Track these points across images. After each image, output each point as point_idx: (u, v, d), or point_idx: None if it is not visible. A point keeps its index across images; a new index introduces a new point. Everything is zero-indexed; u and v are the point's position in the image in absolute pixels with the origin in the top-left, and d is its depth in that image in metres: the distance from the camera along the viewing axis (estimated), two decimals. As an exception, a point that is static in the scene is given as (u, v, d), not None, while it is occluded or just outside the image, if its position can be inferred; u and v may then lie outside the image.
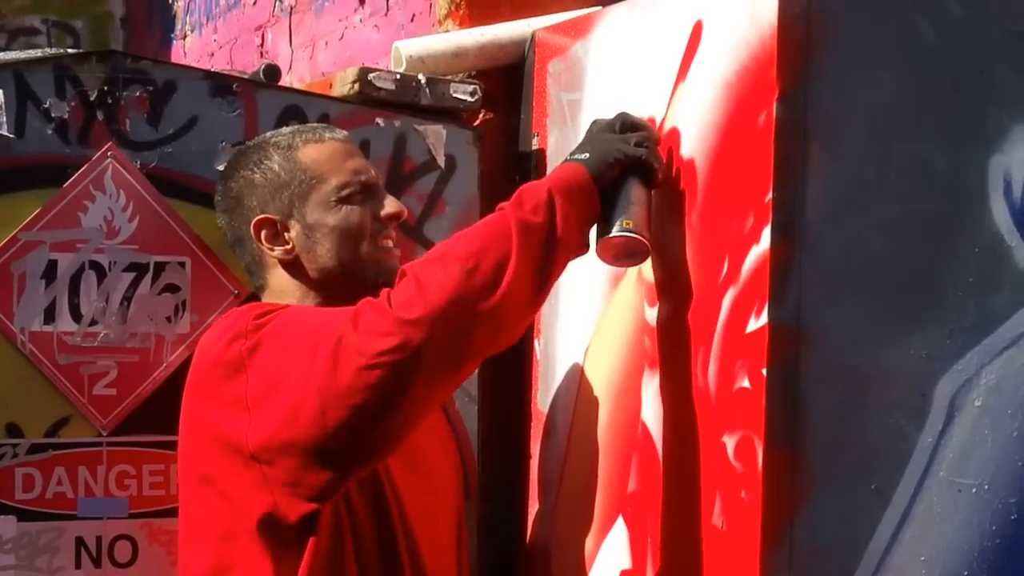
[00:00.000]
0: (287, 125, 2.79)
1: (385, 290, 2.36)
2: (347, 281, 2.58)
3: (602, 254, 2.49)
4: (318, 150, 2.61)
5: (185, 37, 6.00)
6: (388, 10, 3.83)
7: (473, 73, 3.27)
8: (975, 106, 2.41)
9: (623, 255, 2.49)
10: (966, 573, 2.43)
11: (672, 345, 2.56)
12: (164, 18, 6.32)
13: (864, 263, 2.37)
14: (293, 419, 2.34)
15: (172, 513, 2.80)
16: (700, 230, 2.48)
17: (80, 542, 2.83)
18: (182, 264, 2.86)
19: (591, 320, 2.84)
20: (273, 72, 3.13)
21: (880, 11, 2.37)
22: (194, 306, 2.87)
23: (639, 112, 2.61)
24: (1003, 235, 2.42)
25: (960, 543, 2.42)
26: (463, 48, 3.26)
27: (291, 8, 4.68)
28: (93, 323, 2.80)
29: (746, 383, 2.34)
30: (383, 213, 2.60)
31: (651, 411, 2.62)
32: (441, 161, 3.09)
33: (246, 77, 3.06)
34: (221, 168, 2.74)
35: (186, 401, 2.57)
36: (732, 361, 2.38)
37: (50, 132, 2.78)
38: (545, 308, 2.89)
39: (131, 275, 2.83)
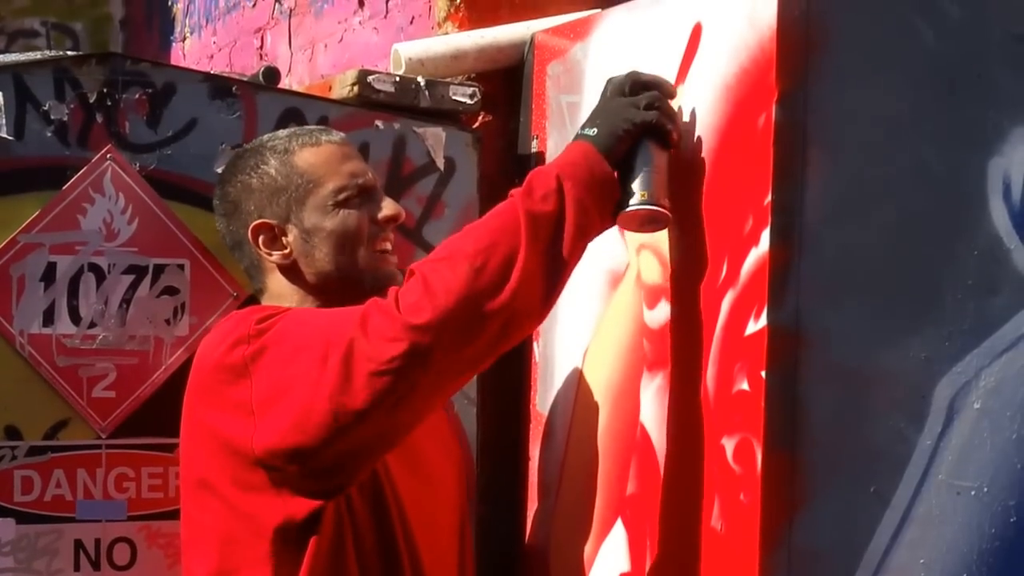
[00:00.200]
0: (286, 127, 2.78)
1: (393, 289, 2.35)
2: (344, 285, 2.58)
3: (624, 224, 2.47)
4: (314, 154, 2.60)
5: (184, 39, 6.00)
6: (387, 12, 3.83)
7: (472, 75, 3.27)
8: (974, 108, 2.41)
9: (646, 222, 2.47)
10: (965, 575, 2.43)
11: (671, 347, 2.56)
12: (163, 20, 6.32)
13: (863, 265, 2.37)
14: (303, 424, 2.34)
15: (171, 516, 2.80)
16: (699, 232, 2.48)
17: (79, 544, 2.83)
18: (181, 266, 2.86)
19: (590, 322, 2.84)
20: (272, 74, 3.12)
21: (879, 13, 2.37)
22: (193, 308, 2.87)
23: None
24: (1002, 237, 2.42)
25: (959, 546, 2.42)
26: (462, 50, 3.26)
27: (290, 10, 4.68)
28: (92, 325, 2.80)
29: (745, 385, 2.34)
30: (381, 216, 2.60)
31: (650, 413, 2.62)
32: (440, 163, 3.09)
33: (245, 79, 3.06)
34: (220, 171, 2.74)
35: (186, 405, 2.57)
36: (731, 363, 2.38)
37: (49, 134, 2.78)
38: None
39: (130, 277, 2.83)
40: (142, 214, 2.83)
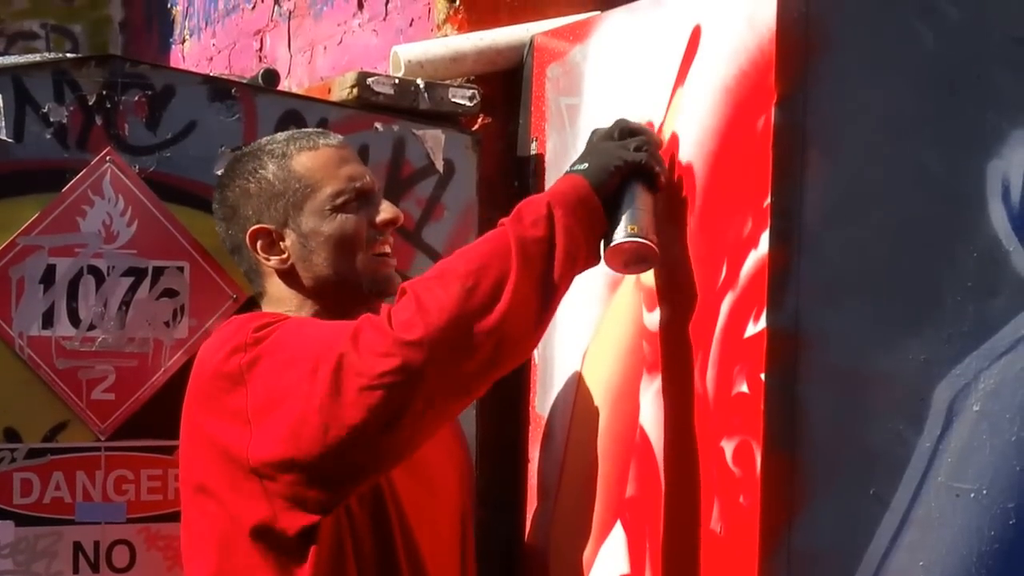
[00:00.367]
0: (286, 130, 2.78)
1: (385, 306, 2.35)
2: (343, 290, 2.58)
3: (610, 261, 2.49)
4: (312, 158, 2.60)
5: (184, 41, 6.00)
6: (387, 15, 3.83)
7: (472, 78, 3.27)
8: (973, 111, 2.41)
9: (632, 261, 2.48)
10: (964, 578, 2.44)
11: (670, 350, 2.56)
12: (163, 23, 6.32)
13: (862, 267, 2.37)
14: (295, 436, 2.34)
15: (170, 518, 2.80)
16: (698, 235, 2.48)
17: (78, 547, 2.82)
18: (180, 269, 2.86)
19: (589, 325, 2.84)
20: (272, 77, 3.12)
21: (878, 16, 2.37)
22: (192, 311, 2.87)
23: (637, 117, 2.61)
24: (1001, 240, 2.42)
25: (959, 548, 2.42)
26: (462, 53, 3.26)
27: (290, 13, 4.68)
28: (91, 328, 2.80)
29: (744, 388, 2.34)
30: (379, 219, 2.60)
31: (649, 416, 2.62)
32: (440, 166, 3.09)
33: (245, 82, 3.06)
34: (219, 173, 2.74)
35: (186, 410, 2.57)
36: (731, 366, 2.38)
37: (49, 137, 2.78)
38: (544, 313, 2.89)
39: (129, 280, 2.82)
40: (141, 216, 2.83)
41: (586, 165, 2.49)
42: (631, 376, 2.68)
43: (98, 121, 2.80)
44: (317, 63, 4.41)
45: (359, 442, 2.31)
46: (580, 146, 2.86)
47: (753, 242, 2.33)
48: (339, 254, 2.56)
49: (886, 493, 2.38)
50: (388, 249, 2.62)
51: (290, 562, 2.43)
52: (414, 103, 3.09)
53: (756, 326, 2.32)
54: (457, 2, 3.41)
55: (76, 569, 2.82)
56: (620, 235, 2.45)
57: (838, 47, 2.34)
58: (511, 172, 3.24)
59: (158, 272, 2.84)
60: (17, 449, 2.78)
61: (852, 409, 2.36)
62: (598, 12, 3.12)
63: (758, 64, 2.34)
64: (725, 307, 2.40)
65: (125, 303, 2.82)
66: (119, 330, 2.82)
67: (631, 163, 2.48)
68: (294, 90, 4.14)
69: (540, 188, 3.09)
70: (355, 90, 3.03)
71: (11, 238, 2.75)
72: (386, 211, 2.61)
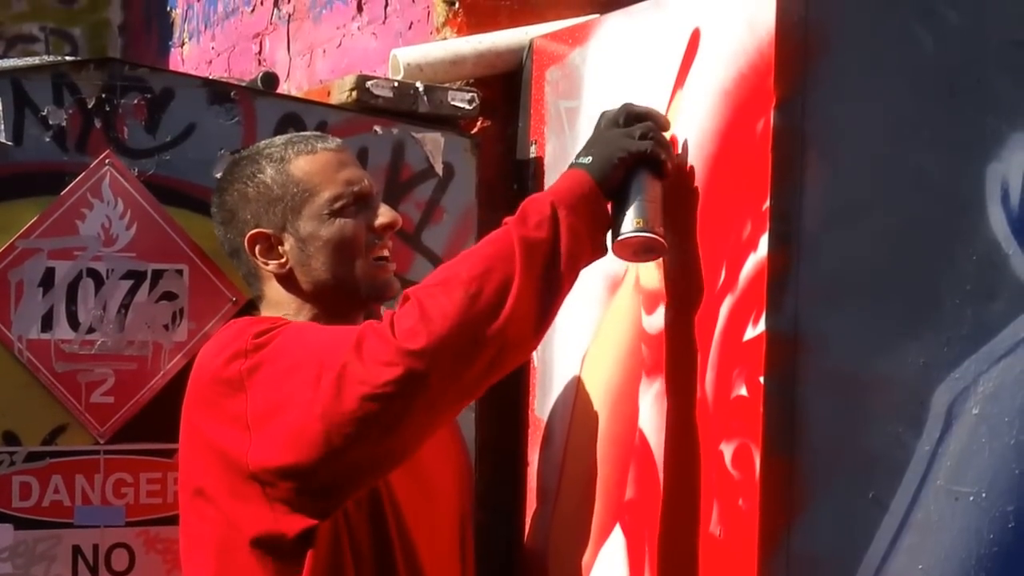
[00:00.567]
0: (285, 133, 2.78)
1: (388, 313, 2.35)
2: (341, 294, 2.58)
3: (619, 253, 2.48)
4: (310, 162, 2.59)
5: (183, 45, 6.00)
6: (386, 18, 3.83)
7: (471, 81, 3.27)
8: (973, 114, 2.41)
9: (640, 251, 2.47)
10: (964, 581, 2.44)
11: (670, 353, 2.56)
12: (162, 26, 6.33)
13: (862, 271, 2.36)
14: (296, 443, 2.34)
15: (169, 521, 2.80)
16: (698, 238, 2.48)
17: (77, 550, 2.82)
18: (179, 272, 2.86)
19: (589, 327, 2.84)
20: (271, 80, 3.12)
21: (878, 19, 2.37)
22: (192, 314, 2.87)
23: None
24: (1000, 243, 2.42)
25: (958, 551, 2.42)
26: (461, 56, 3.26)
27: (289, 16, 4.69)
28: (91, 331, 2.80)
29: (743, 391, 2.34)
30: (377, 223, 2.59)
31: (648, 419, 2.62)
32: (439, 169, 3.09)
33: (244, 85, 3.06)
34: (218, 176, 2.74)
35: (185, 413, 2.57)
36: (730, 369, 2.38)
37: (48, 139, 2.78)
38: (543, 315, 2.89)
39: (129, 283, 2.82)
40: (140, 219, 2.83)
41: (590, 159, 2.47)
42: (630, 379, 2.68)
43: (97, 124, 2.80)
44: (316, 66, 4.41)
45: (361, 448, 2.32)
46: (579, 149, 2.86)
47: (752, 245, 2.33)
48: (337, 258, 2.56)
49: (885, 496, 2.38)
50: (387, 253, 2.61)
51: (288, 566, 2.43)
52: (413, 106, 3.09)
53: (755, 329, 2.32)
54: (456, 5, 3.41)
55: (75, 572, 2.82)
56: (627, 228, 2.44)
57: (837, 50, 2.34)
58: (510, 175, 3.24)
59: (157, 275, 2.84)
60: (16, 452, 2.78)
61: (851, 412, 2.36)
62: (597, 15, 3.12)
63: (757, 67, 2.34)
64: (724, 310, 2.40)
65: (124, 306, 2.82)
66: (118, 333, 2.82)
67: (636, 153, 2.46)
68: (293, 93, 4.14)
69: (539, 191, 3.09)
70: (354, 93, 3.03)
71: (10, 241, 2.75)
72: (384, 215, 2.60)
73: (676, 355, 2.54)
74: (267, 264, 2.59)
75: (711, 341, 2.43)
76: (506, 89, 3.28)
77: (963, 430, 2.42)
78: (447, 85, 3.18)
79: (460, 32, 3.38)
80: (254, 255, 2.59)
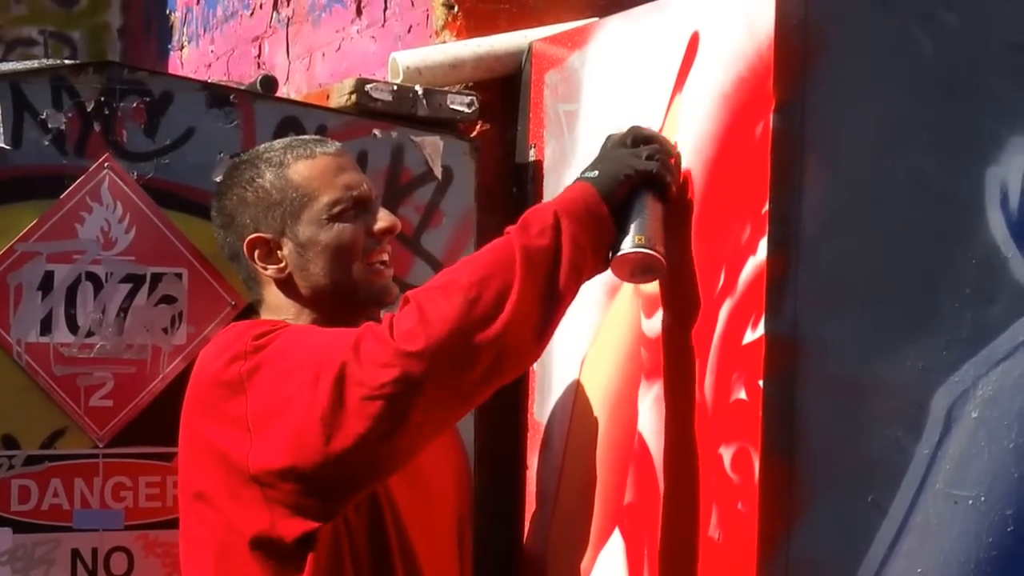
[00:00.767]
0: (284, 136, 2.78)
1: (387, 315, 2.35)
2: (340, 299, 2.58)
3: (617, 271, 2.48)
4: (309, 166, 2.59)
5: (182, 48, 6.00)
6: (385, 21, 3.83)
7: (470, 84, 3.27)
8: (972, 117, 2.41)
9: (638, 271, 2.48)
10: (963, 585, 2.44)
11: (669, 356, 2.56)
12: (161, 29, 6.32)
13: (861, 274, 2.37)
14: (296, 445, 2.34)
15: (168, 525, 2.80)
16: (697, 241, 2.48)
17: (76, 554, 2.82)
18: (179, 275, 2.86)
19: (588, 331, 2.84)
20: (270, 83, 3.12)
21: (877, 23, 2.37)
22: (191, 317, 2.87)
23: (636, 123, 2.61)
24: (999, 246, 2.42)
25: (957, 555, 2.42)
26: (460, 59, 3.26)
27: (288, 19, 4.69)
28: (90, 334, 2.80)
29: (743, 394, 2.34)
30: (376, 228, 2.59)
31: (648, 422, 2.62)
32: (438, 172, 3.09)
33: (243, 88, 3.06)
34: (218, 180, 2.74)
35: (184, 417, 2.57)
36: (729, 372, 2.38)
37: (47, 143, 2.78)
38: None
39: (128, 286, 2.82)
40: (140, 223, 2.83)
41: (596, 173, 2.48)
42: (629, 383, 2.68)
43: (96, 127, 2.80)
44: (316, 69, 4.41)
45: (359, 451, 2.32)
46: (579, 152, 2.87)
47: (751, 249, 2.33)
48: (336, 263, 2.56)
49: (884, 500, 2.38)
50: (386, 257, 2.61)
51: (287, 570, 2.43)
52: (412, 110, 3.09)
53: (754, 333, 2.32)
54: (455, 8, 3.41)
55: (74, 576, 2.83)
56: (627, 245, 2.44)
57: (837, 53, 2.34)
58: (509, 178, 3.24)
59: (156, 278, 2.84)
60: (15, 456, 2.78)
61: (850, 416, 2.36)
62: (596, 19, 3.12)
63: (756, 70, 2.34)
64: (723, 314, 2.40)
65: (123, 310, 2.82)
66: (117, 337, 2.82)
67: (642, 172, 2.47)
68: (292, 97, 4.15)
69: (538, 194, 3.10)
70: (353, 97, 3.03)
71: (9, 244, 2.75)
72: (383, 220, 2.60)
73: (675, 359, 2.54)
74: (266, 269, 2.59)
75: (710, 345, 2.43)
76: (505, 93, 3.28)
77: (962, 434, 2.42)
78: (446, 88, 3.18)
79: (459, 35, 3.38)
80: (253, 260, 2.59)
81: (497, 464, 3.17)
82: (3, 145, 2.74)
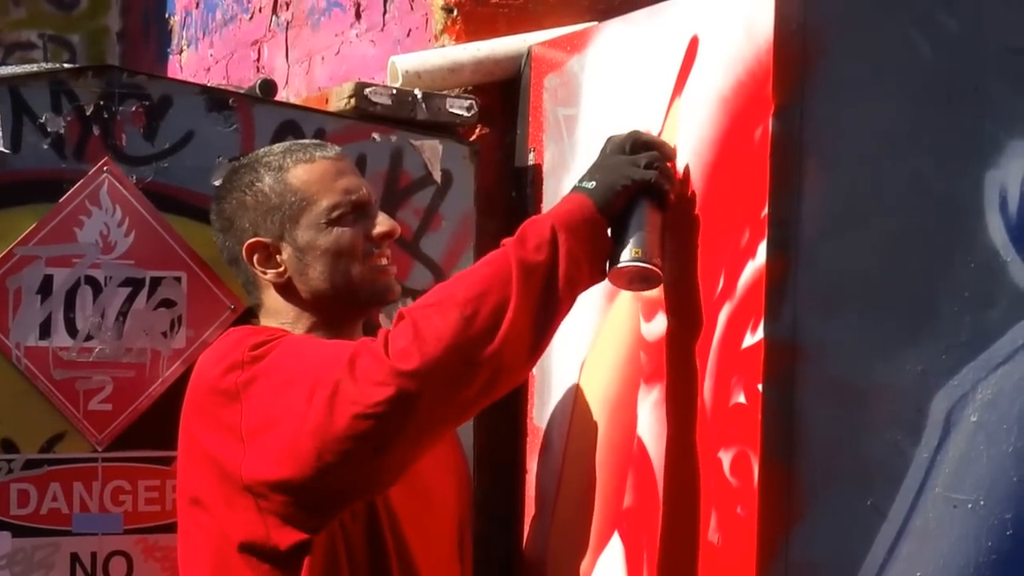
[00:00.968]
0: (283, 140, 2.78)
1: (383, 331, 2.35)
2: (340, 302, 2.58)
3: (614, 280, 2.48)
4: (308, 171, 2.59)
5: (181, 52, 6.00)
6: (384, 25, 3.83)
7: (469, 88, 3.27)
8: (971, 121, 2.41)
9: (636, 280, 2.47)
10: (962, 588, 2.44)
11: (668, 360, 2.56)
12: (160, 33, 6.32)
13: (860, 278, 2.36)
14: (288, 458, 2.34)
15: (168, 529, 2.79)
16: (696, 245, 2.48)
17: (75, 558, 2.82)
18: (178, 279, 2.86)
19: (587, 335, 2.84)
20: (269, 87, 3.12)
21: (876, 26, 2.37)
22: (190, 321, 2.86)
23: (635, 127, 2.61)
24: (998, 250, 2.42)
25: (956, 559, 2.42)
26: (459, 63, 3.26)
27: (287, 23, 4.69)
28: (89, 338, 2.80)
29: (742, 398, 2.34)
30: (375, 232, 2.59)
31: (647, 426, 2.61)
32: (437, 176, 3.08)
33: (242, 92, 3.06)
34: (217, 183, 2.74)
35: (183, 422, 2.57)
36: (728, 376, 2.38)
37: (46, 147, 2.78)
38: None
39: (127, 290, 2.82)
40: (139, 227, 2.83)
41: (594, 184, 2.46)
42: (629, 386, 2.68)
43: (95, 131, 2.80)
44: (315, 73, 4.41)
45: (351, 467, 2.32)
46: (578, 156, 2.87)
47: (751, 252, 2.33)
48: (335, 268, 2.56)
49: (883, 504, 2.38)
50: (385, 262, 2.61)
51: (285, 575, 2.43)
52: (412, 113, 3.09)
53: (753, 337, 2.32)
54: (455, 12, 3.41)
55: (73, 580, 2.83)
56: (625, 257, 2.44)
57: (836, 57, 2.34)
58: (509, 182, 3.24)
59: (155, 282, 2.84)
60: (14, 460, 2.78)
61: (849, 420, 2.36)
62: (595, 22, 3.12)
63: (755, 74, 2.34)
64: (723, 317, 2.40)
65: (122, 313, 2.82)
66: (116, 340, 2.82)
67: (639, 182, 2.45)
68: (292, 100, 4.15)
69: (537, 198, 3.10)
70: (353, 100, 3.03)
71: (8, 248, 2.75)
72: (382, 224, 2.60)
73: (674, 363, 2.54)
74: (265, 273, 2.59)
75: (709, 348, 2.43)
76: (504, 96, 3.28)
77: (961, 437, 2.41)
78: (445, 92, 3.18)
79: (458, 39, 3.38)
80: (252, 264, 2.59)
81: (496, 468, 3.17)
82: (2, 149, 2.74)
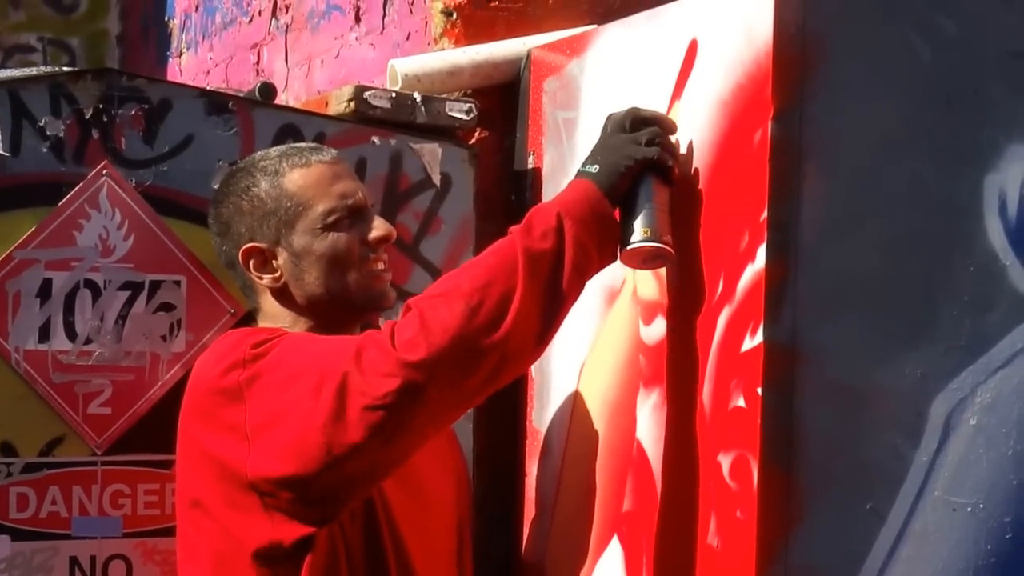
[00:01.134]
0: (283, 143, 2.78)
1: (389, 323, 2.35)
2: (336, 307, 2.57)
3: (627, 261, 2.47)
4: (304, 175, 2.58)
5: (181, 55, 6.00)
6: (384, 28, 3.83)
7: (469, 91, 3.27)
8: (970, 125, 2.41)
9: (648, 260, 2.46)
10: (962, 592, 2.44)
11: (667, 364, 2.56)
12: (160, 36, 6.32)
13: (859, 281, 2.37)
14: (296, 453, 2.34)
15: (167, 532, 2.79)
16: (695, 249, 2.48)
17: (74, 562, 2.82)
18: (177, 282, 2.86)
19: (587, 338, 2.84)
20: (269, 90, 3.12)
21: (875, 30, 2.37)
22: (189, 324, 2.86)
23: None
24: (998, 254, 2.42)
25: (955, 562, 2.42)
26: (459, 66, 3.26)
27: (287, 26, 4.69)
28: (88, 342, 2.80)
29: (741, 402, 2.34)
30: (371, 237, 2.58)
31: (646, 430, 2.61)
32: (437, 179, 3.08)
33: (242, 95, 3.06)
34: (215, 188, 2.74)
35: (182, 425, 2.57)
36: (727, 380, 2.38)
37: (45, 150, 2.78)
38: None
39: (126, 293, 2.82)
40: (138, 230, 2.83)
41: (597, 167, 2.46)
42: (628, 390, 2.68)
43: (95, 135, 2.80)
44: (314, 76, 4.41)
45: (361, 458, 2.32)
46: (577, 159, 2.86)
47: (750, 256, 2.33)
48: (331, 273, 2.55)
49: (883, 507, 2.38)
50: (381, 266, 2.60)
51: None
52: (411, 117, 3.09)
53: (753, 340, 2.32)
54: (454, 16, 3.41)
55: (72, 583, 2.82)
56: (636, 237, 2.43)
57: (835, 61, 2.34)
58: (508, 186, 3.24)
59: (155, 286, 2.84)
60: (13, 463, 2.78)
61: (849, 423, 2.36)
62: (595, 26, 3.12)
63: (755, 78, 2.34)
64: (722, 321, 2.40)
65: (122, 317, 2.82)
66: (116, 344, 2.82)
67: (642, 160, 2.44)
68: (291, 104, 4.15)
69: (537, 202, 3.09)
70: (352, 104, 3.03)
71: (7, 252, 2.75)
72: (379, 228, 2.59)
73: (674, 366, 2.54)
74: (261, 278, 2.58)
75: (709, 352, 2.43)
76: (504, 100, 3.28)
77: (961, 441, 2.42)
78: (445, 96, 3.18)
79: (458, 43, 3.38)
80: (249, 269, 2.59)
81: (496, 471, 3.17)
82: (1, 152, 2.74)
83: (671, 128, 2.52)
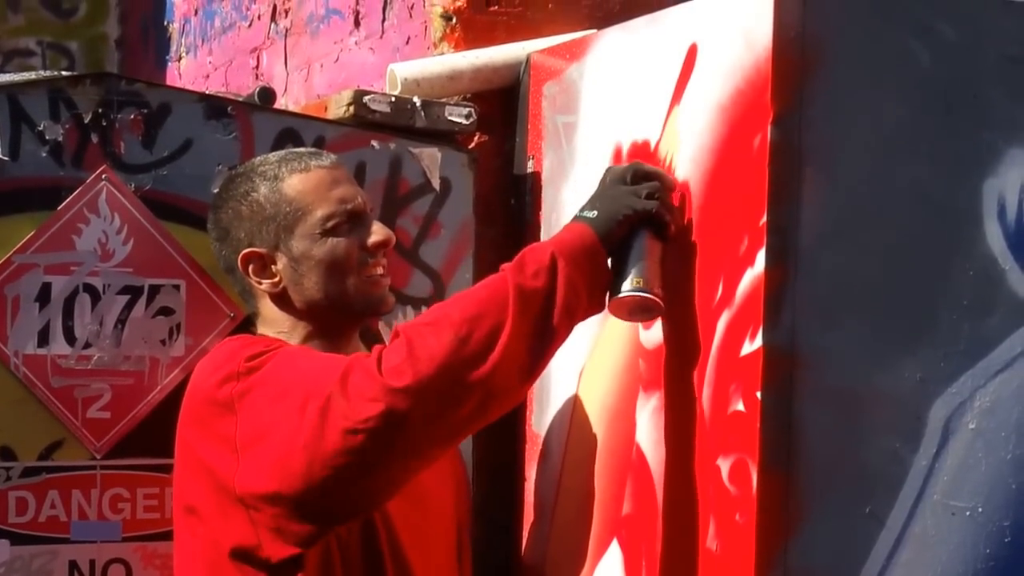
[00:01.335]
0: (282, 148, 2.78)
1: (377, 348, 2.35)
2: (335, 312, 2.57)
3: (615, 311, 2.48)
4: (303, 180, 2.58)
5: (180, 59, 6.00)
6: (383, 33, 3.83)
7: (468, 96, 3.27)
8: (969, 129, 2.41)
9: (637, 311, 2.47)
10: (961, 596, 2.44)
11: (667, 368, 2.56)
12: (159, 40, 6.32)
13: (858, 286, 2.37)
14: (280, 471, 2.34)
15: (166, 536, 2.79)
16: (695, 253, 2.48)
17: (74, 566, 2.82)
18: (176, 287, 2.86)
19: (586, 342, 2.84)
20: (268, 95, 3.12)
21: (875, 35, 2.37)
22: (189, 329, 2.86)
23: (633, 134, 2.61)
24: (997, 258, 2.42)
25: (955, 566, 2.42)
26: (458, 71, 3.26)
27: (286, 30, 4.69)
28: (87, 346, 2.80)
29: (740, 406, 2.34)
30: (370, 242, 2.58)
31: (646, 434, 2.61)
32: (436, 184, 3.08)
33: (241, 100, 3.06)
34: (214, 193, 2.74)
35: (179, 431, 2.57)
36: (726, 384, 2.38)
37: (44, 154, 2.77)
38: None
39: (125, 298, 2.82)
40: (137, 234, 2.83)
41: (595, 213, 2.46)
42: (627, 394, 2.68)
43: (94, 139, 2.80)
44: (314, 81, 4.41)
45: (341, 482, 2.32)
46: (577, 164, 2.87)
47: (749, 260, 2.33)
48: (330, 278, 2.55)
49: (882, 511, 2.38)
50: (381, 271, 2.60)
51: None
52: (411, 121, 3.09)
53: (752, 344, 2.32)
54: (454, 20, 3.41)
55: (71, 587, 2.82)
56: (626, 287, 2.43)
57: (834, 66, 2.34)
58: (508, 190, 3.24)
59: (154, 290, 2.84)
60: (12, 468, 2.78)
61: (848, 427, 2.36)
62: (594, 30, 3.12)
63: (754, 82, 2.34)
64: (721, 325, 2.40)
65: (121, 321, 2.82)
66: (115, 348, 2.82)
67: (641, 212, 2.45)
68: (291, 108, 4.15)
69: (536, 206, 3.10)
70: (352, 108, 3.03)
71: (7, 256, 2.75)
72: (378, 233, 2.59)
73: (673, 370, 2.54)
74: (260, 283, 2.58)
75: (708, 356, 2.43)
76: (503, 104, 3.28)
77: (960, 445, 2.42)
78: (444, 100, 3.18)
79: (457, 47, 3.38)
80: (248, 274, 2.59)
81: (495, 475, 3.17)
82: (1, 157, 2.74)
83: (671, 185, 2.53)
